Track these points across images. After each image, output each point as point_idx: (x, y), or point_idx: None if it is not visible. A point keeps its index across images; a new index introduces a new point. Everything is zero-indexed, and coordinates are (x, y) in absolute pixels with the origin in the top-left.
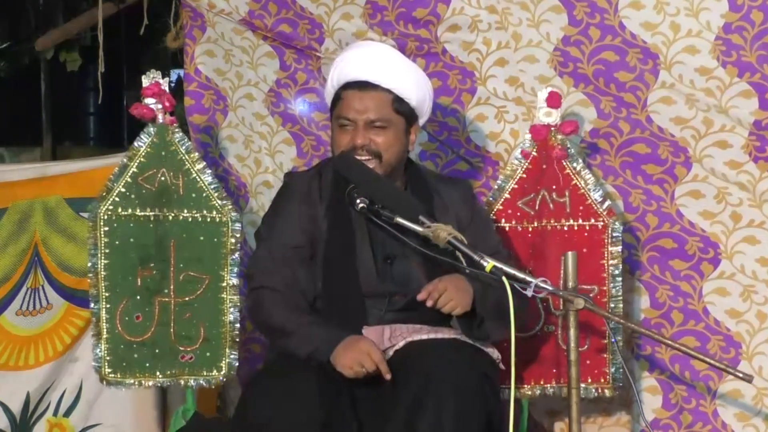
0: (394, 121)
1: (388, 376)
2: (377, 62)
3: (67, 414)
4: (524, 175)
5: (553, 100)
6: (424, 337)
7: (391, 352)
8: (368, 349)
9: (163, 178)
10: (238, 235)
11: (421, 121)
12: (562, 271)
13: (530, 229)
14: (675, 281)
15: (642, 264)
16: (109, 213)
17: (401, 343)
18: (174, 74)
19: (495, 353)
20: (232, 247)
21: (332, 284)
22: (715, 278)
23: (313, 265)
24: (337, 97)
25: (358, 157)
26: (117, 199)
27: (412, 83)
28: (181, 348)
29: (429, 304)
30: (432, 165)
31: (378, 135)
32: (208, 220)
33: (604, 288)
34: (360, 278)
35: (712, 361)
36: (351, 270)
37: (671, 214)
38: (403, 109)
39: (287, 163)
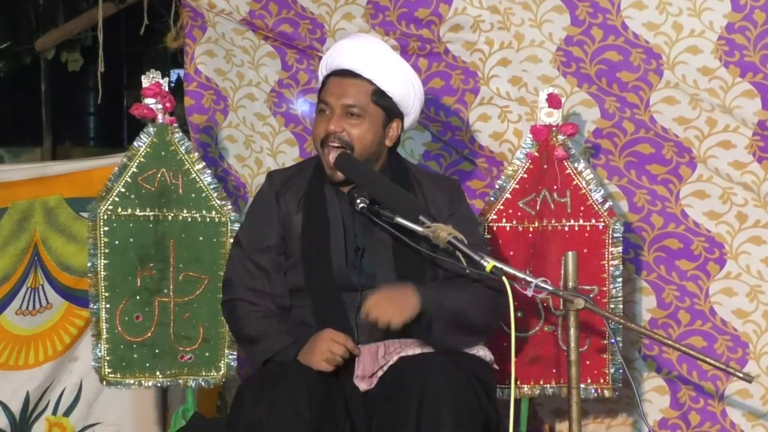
0: (370, 111)
1: (357, 352)
2: (362, 52)
3: (66, 413)
4: (525, 175)
5: (554, 101)
6: (417, 351)
7: (386, 368)
8: (331, 336)
9: (162, 178)
10: None
11: (408, 120)
12: (562, 271)
13: (531, 229)
14: (681, 281)
15: (648, 264)
16: (109, 213)
17: (395, 358)
18: (174, 74)
19: (488, 356)
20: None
21: (309, 278)
22: (721, 278)
23: (289, 259)
24: (322, 85)
25: (331, 144)
26: (117, 199)
27: (395, 77)
28: (181, 348)
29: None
30: (436, 165)
31: (353, 125)
32: (207, 220)
33: (605, 288)
34: (334, 271)
35: (710, 361)
36: (325, 263)
37: (676, 214)
38: (383, 102)
39: (290, 164)
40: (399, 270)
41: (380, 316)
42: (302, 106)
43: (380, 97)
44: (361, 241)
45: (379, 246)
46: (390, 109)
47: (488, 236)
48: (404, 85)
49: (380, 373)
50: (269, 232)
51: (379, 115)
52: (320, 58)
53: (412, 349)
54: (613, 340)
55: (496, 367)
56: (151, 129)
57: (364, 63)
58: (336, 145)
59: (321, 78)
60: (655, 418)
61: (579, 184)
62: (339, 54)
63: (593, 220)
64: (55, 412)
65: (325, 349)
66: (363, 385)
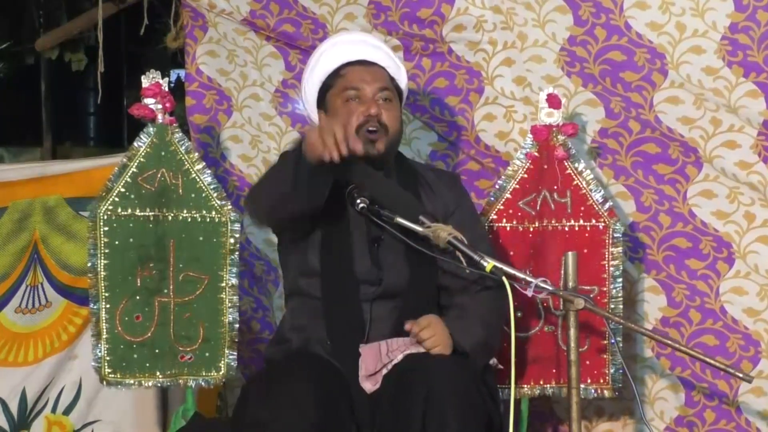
0: (395, 95)
1: (358, 147)
2: (371, 44)
3: (66, 412)
4: (525, 175)
5: (554, 101)
6: (422, 350)
7: (390, 366)
8: (325, 125)
9: (162, 178)
10: (237, 236)
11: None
12: (562, 272)
13: (531, 229)
14: (691, 280)
15: (657, 263)
16: (109, 213)
17: (400, 357)
18: (174, 74)
19: (493, 360)
20: (231, 248)
21: (330, 271)
22: (731, 277)
23: (307, 247)
24: (335, 76)
25: (370, 129)
26: (117, 199)
27: (399, 66)
28: (181, 348)
29: (409, 330)
30: (443, 165)
31: (387, 109)
32: (208, 220)
33: (605, 288)
34: (355, 269)
35: (709, 360)
36: (347, 255)
37: (684, 213)
38: (398, 89)
39: None
40: (411, 264)
41: (430, 340)
42: None
43: (395, 84)
44: (375, 231)
45: (393, 240)
46: (401, 97)
47: (480, 222)
48: (405, 75)
49: (385, 371)
50: None
51: (398, 101)
52: None
53: (416, 347)
54: (613, 340)
55: (500, 367)
56: (151, 129)
57: (376, 53)
58: (374, 129)
59: (324, 73)
60: (672, 415)
61: (579, 184)
62: (349, 47)
63: (593, 221)
64: (54, 410)
65: (317, 137)
66: (368, 385)
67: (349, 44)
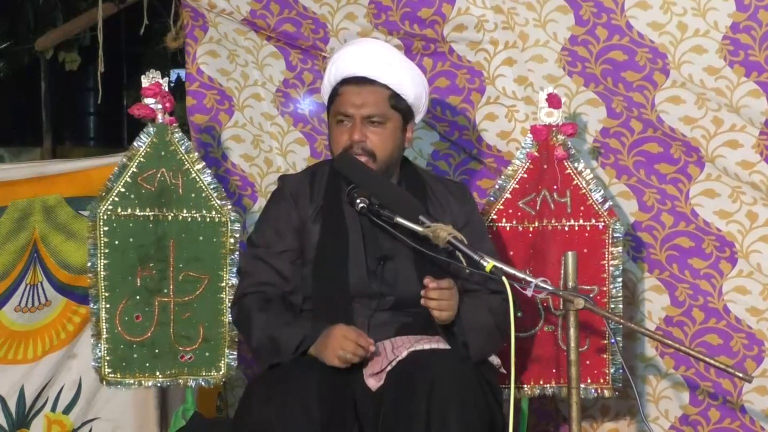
0: (390, 117)
1: (371, 348)
2: (375, 58)
3: (66, 411)
4: (525, 175)
5: (554, 101)
6: (426, 347)
7: (395, 363)
8: (342, 332)
9: (162, 178)
10: (237, 235)
11: (417, 118)
12: (562, 271)
13: (531, 229)
14: (694, 280)
15: (660, 263)
16: (109, 213)
17: (404, 353)
18: (174, 74)
19: (496, 360)
20: (231, 247)
21: (321, 285)
22: (734, 277)
23: (304, 265)
24: (335, 93)
25: (354, 153)
26: (116, 198)
27: (409, 80)
28: (181, 348)
29: (424, 298)
30: (445, 165)
31: (374, 132)
32: (208, 220)
33: (605, 288)
34: (350, 279)
35: (709, 360)
36: (341, 271)
37: (686, 213)
38: (400, 105)
39: (300, 163)
40: (420, 277)
41: (443, 313)
42: (310, 106)
43: (397, 101)
44: (385, 249)
45: (402, 253)
46: (406, 112)
47: (488, 236)
48: (416, 86)
49: (389, 368)
50: (288, 235)
51: (397, 120)
52: (324, 58)
53: (421, 344)
54: (613, 340)
55: (503, 370)
56: (151, 129)
57: (378, 69)
58: (359, 153)
59: (330, 86)
60: (676, 414)
61: (579, 184)
62: (350, 61)
63: (593, 220)
64: (54, 409)
65: (336, 346)
66: (372, 382)
67: (354, 57)
